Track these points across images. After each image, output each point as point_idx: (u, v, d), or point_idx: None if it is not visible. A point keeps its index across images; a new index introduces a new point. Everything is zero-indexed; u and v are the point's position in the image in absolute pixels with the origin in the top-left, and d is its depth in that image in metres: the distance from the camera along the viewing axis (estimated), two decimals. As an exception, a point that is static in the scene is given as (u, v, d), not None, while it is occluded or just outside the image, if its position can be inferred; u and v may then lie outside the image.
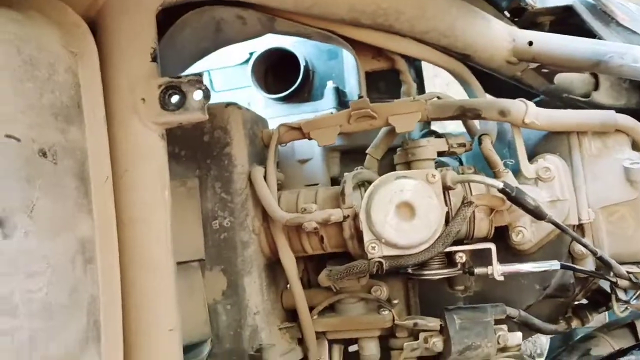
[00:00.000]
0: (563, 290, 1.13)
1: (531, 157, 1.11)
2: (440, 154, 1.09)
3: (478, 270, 1.01)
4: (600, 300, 1.21)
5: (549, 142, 1.12)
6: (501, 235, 1.08)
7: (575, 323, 1.22)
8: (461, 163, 1.25)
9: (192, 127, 1.04)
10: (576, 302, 1.25)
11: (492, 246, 1.00)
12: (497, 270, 0.99)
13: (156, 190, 0.85)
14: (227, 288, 1.02)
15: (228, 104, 1.08)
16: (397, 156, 1.11)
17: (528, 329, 1.16)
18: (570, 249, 1.11)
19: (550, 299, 1.18)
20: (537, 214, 0.97)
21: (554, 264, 1.00)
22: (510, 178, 1.04)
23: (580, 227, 1.11)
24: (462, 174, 1.06)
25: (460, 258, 1.00)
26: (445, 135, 1.11)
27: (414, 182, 0.95)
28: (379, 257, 0.96)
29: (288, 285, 1.15)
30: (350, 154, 1.33)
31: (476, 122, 1.18)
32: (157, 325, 0.81)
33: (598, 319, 1.55)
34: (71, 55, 0.67)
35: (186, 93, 0.80)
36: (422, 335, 1.08)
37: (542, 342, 2.69)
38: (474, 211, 1.01)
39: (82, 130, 0.70)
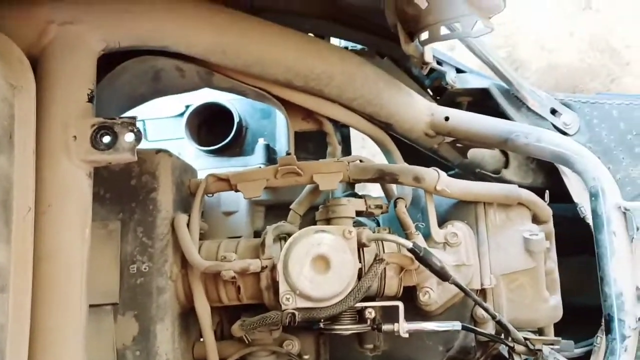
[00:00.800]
0: (465, 353, 1.21)
1: (442, 223, 1.21)
2: (358, 213, 1.17)
3: (385, 327, 1.07)
4: (499, 365, 1.30)
5: (459, 210, 1.23)
6: (410, 296, 1.16)
7: (476, 387, 1.30)
8: (378, 224, 1.34)
9: (120, 170, 1.08)
10: (478, 367, 1.33)
11: (399, 304, 1.07)
12: (403, 327, 1.05)
13: (77, 228, 0.87)
14: (138, 334, 1.03)
15: (159, 151, 1.12)
16: (318, 213, 1.18)
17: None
18: (472, 313, 1.20)
19: (455, 361, 1.25)
20: (442, 275, 1.05)
21: (456, 325, 1.08)
22: (420, 240, 1.13)
23: (482, 292, 1.20)
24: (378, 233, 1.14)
25: (370, 314, 1.06)
26: (364, 196, 1.20)
27: (331, 237, 1.02)
28: (293, 309, 1.01)
29: (202, 338, 1.18)
30: (274, 209, 1.39)
31: (394, 187, 1.28)
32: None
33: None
34: (10, 87, 0.71)
35: (118, 134, 0.85)
36: (331, 391, 1.12)
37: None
38: (385, 269, 1.09)
39: (10, 160, 0.72)
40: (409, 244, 1.03)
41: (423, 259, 1.04)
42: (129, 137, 0.85)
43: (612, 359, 1.06)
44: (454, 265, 1.15)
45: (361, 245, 1.07)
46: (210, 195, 1.30)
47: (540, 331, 1.28)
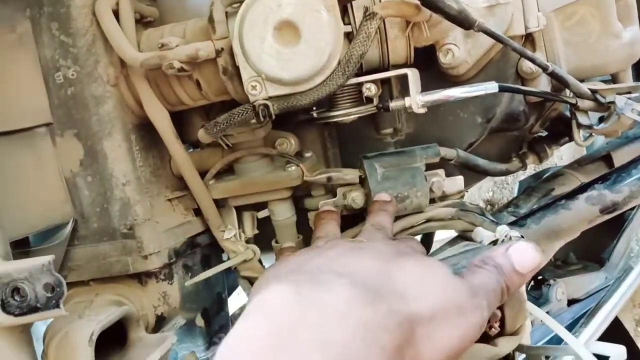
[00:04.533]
0: (512, 121, 0.99)
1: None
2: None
3: (394, 104, 0.85)
4: (562, 129, 1.07)
5: None
6: (433, 59, 0.91)
7: (531, 160, 1.09)
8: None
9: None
10: (534, 135, 1.11)
11: (409, 71, 0.83)
12: (417, 101, 0.83)
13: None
14: (85, 156, 0.87)
15: None
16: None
17: (472, 172, 1.03)
18: (517, 68, 0.95)
19: (500, 133, 1.04)
20: (463, 21, 0.79)
21: (490, 86, 0.83)
22: (432, -21, 0.85)
23: (528, 38, 0.94)
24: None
25: (369, 90, 0.84)
26: None
27: (296, -6, 0.76)
28: (264, 99, 0.80)
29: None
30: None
31: None
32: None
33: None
34: None
35: None
36: (340, 191, 0.95)
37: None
38: (384, 28, 0.84)
39: None
40: (409, -17, 0.76)
41: (431, 2, 0.77)
42: None
43: None
44: (485, 6, 0.88)
45: (344, 0, 0.81)
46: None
47: (614, 78, 1.02)
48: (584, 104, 0.93)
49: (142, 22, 0.95)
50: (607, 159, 1.24)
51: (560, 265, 1.25)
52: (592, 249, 1.25)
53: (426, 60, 0.91)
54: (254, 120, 0.82)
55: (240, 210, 1.00)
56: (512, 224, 1.00)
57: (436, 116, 0.99)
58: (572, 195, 0.94)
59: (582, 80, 0.97)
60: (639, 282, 1.13)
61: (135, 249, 0.87)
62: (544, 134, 1.14)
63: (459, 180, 0.97)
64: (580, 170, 1.23)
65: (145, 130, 0.93)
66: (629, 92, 0.92)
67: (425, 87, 0.97)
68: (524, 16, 0.90)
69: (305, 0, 0.76)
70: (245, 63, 0.79)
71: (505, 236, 0.89)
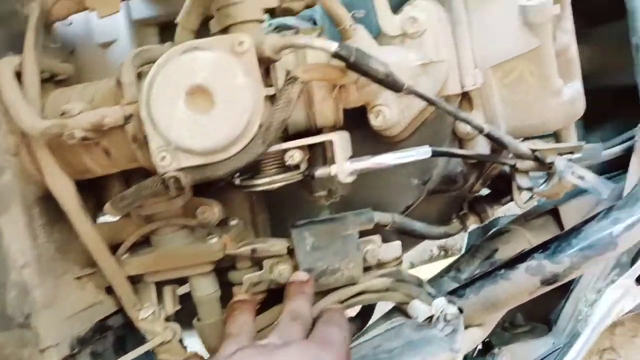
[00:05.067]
0: (450, 183, 0.93)
1: (401, 4, 0.86)
2: (270, 11, 0.82)
3: (319, 173, 0.79)
4: (504, 188, 1.02)
5: (420, -18, 0.87)
6: (366, 118, 0.86)
7: (472, 220, 1.04)
8: (315, 24, 1.00)
9: None
10: (474, 194, 1.06)
11: (336, 137, 0.77)
12: (344, 169, 0.76)
13: None
14: (-22, 233, 0.77)
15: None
16: (212, 22, 0.84)
17: (410, 236, 0.96)
18: (454, 129, 0.90)
19: (440, 194, 0.98)
20: (390, 84, 0.74)
21: (423, 151, 0.78)
22: (360, 37, 0.80)
23: (465, 96, 0.89)
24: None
25: (292, 158, 0.77)
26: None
27: (210, 56, 0.69)
28: (175, 170, 0.72)
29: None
30: (173, 28, 1.04)
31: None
32: None
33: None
34: None
35: None
36: (266, 264, 0.87)
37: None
38: (309, 90, 0.77)
39: None
40: (332, 47, 0.70)
41: (357, 66, 0.71)
42: None
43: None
44: (419, 65, 0.83)
45: (267, 61, 0.74)
46: (67, 22, 0.97)
47: (556, 136, 0.98)
48: (524, 164, 0.88)
49: (53, 80, 0.87)
50: (554, 212, 1.20)
51: (507, 328, 1.19)
52: (541, 308, 1.20)
53: (361, 118, 0.85)
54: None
55: (160, 284, 0.91)
56: (452, 293, 0.93)
57: (372, 178, 0.93)
58: (511, 264, 0.88)
59: (524, 139, 0.94)
60: (588, 347, 1.08)
61: (32, 341, 0.77)
62: (486, 192, 1.09)
63: (396, 246, 0.91)
64: (526, 226, 1.18)
65: (51, 203, 0.83)
66: (571, 152, 0.87)
67: (361, 146, 0.92)
68: (460, 74, 0.86)
69: (220, 63, 0.69)
70: (154, 131, 0.71)
71: (441, 312, 0.84)
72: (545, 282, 0.86)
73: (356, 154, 0.92)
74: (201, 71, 0.69)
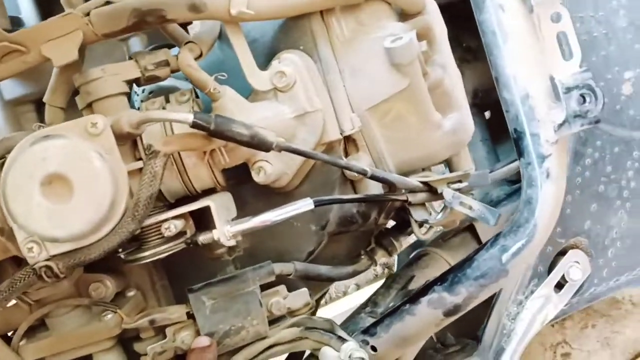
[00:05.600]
0: (348, 224, 0.93)
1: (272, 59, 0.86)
2: (134, 82, 0.81)
3: (202, 238, 0.78)
4: (408, 218, 1.02)
5: (287, 33, 0.87)
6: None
7: (380, 255, 1.04)
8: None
9: None
10: (381, 228, 1.06)
11: (212, 203, 0.76)
12: (225, 233, 0.76)
13: None
14: None
15: None
16: (77, 99, 0.82)
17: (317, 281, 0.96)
18: (344, 172, 0.90)
19: (345, 234, 0.98)
20: (259, 145, 0.73)
21: (305, 203, 0.78)
22: (229, 98, 0.79)
23: (349, 140, 0.89)
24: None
25: (168, 230, 0.76)
26: (136, 54, 0.82)
27: (62, 144, 0.68)
28: (46, 259, 0.70)
29: None
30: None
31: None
32: None
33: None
34: None
35: None
36: (169, 332, 0.86)
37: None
38: (179, 160, 0.77)
39: None
40: (189, 119, 0.69)
41: (218, 133, 0.71)
42: None
43: (532, 193, 0.78)
44: (294, 117, 0.82)
45: (129, 136, 0.73)
46: None
47: (448, 164, 0.99)
48: (417, 197, 0.89)
49: None
50: (471, 229, 1.21)
51: (438, 349, 1.19)
52: (469, 324, 1.21)
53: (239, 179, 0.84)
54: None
55: (67, 364, 0.89)
56: (365, 332, 0.93)
57: (271, 229, 0.92)
58: (415, 299, 0.88)
59: (422, 170, 0.94)
60: (516, 361, 1.09)
61: None
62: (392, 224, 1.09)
63: (303, 293, 0.91)
64: (444, 247, 1.19)
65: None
66: (459, 181, 0.88)
67: (255, 199, 0.92)
68: (338, 120, 0.86)
69: (73, 149, 0.68)
70: (15, 225, 0.69)
71: (350, 357, 0.83)
72: (448, 314, 0.86)
73: (251, 207, 0.92)
74: (53, 160, 0.67)
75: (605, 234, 1.07)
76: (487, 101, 1.28)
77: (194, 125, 0.70)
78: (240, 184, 0.89)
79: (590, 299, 1.12)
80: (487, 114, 1.38)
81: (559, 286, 1.08)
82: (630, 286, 1.16)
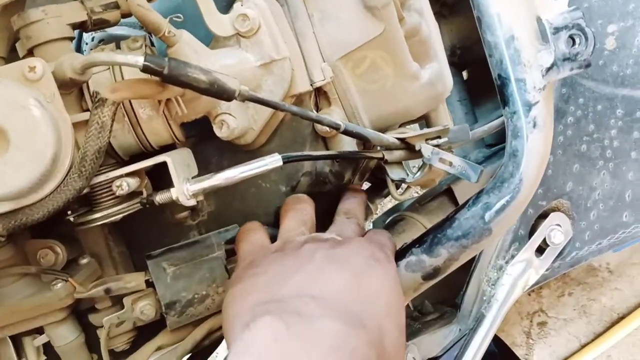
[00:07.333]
0: (321, 184, 0.87)
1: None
2: (80, 26, 0.73)
3: (159, 198, 0.70)
4: (384, 179, 0.96)
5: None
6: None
7: (355, 218, 0.98)
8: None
9: None
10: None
11: (168, 158, 0.68)
12: (184, 191, 0.68)
13: None
14: None
15: None
16: (18, 45, 0.74)
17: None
18: (314, 127, 0.83)
19: (317, 196, 0.91)
20: (219, 93, 0.66)
21: (273, 160, 0.70)
22: (185, 42, 0.71)
23: (319, 92, 0.82)
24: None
25: (120, 188, 0.68)
26: (84, -5, 0.74)
27: (-5, 88, 0.60)
28: (-18, 221, 0.63)
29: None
30: None
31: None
32: None
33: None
34: None
35: None
36: (127, 301, 0.79)
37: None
38: (130, 111, 0.69)
39: None
40: (139, 61, 0.62)
41: (172, 78, 0.63)
42: None
43: (518, 144, 0.72)
44: (259, 65, 0.75)
45: (73, 83, 0.65)
46: None
47: (426, 120, 0.93)
48: (393, 155, 0.82)
49: None
50: (449, 192, 1.16)
51: (416, 317, 1.14)
52: (449, 290, 1.16)
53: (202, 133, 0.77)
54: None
55: (15, 338, 0.82)
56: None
57: (237, 190, 0.86)
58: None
59: (394, 128, 0.88)
60: (495, 328, 1.04)
61: None
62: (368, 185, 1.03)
63: (272, 259, 0.84)
64: (421, 212, 1.13)
65: None
66: (438, 137, 0.81)
67: (219, 157, 0.85)
68: (307, 70, 0.79)
69: (8, 96, 0.60)
70: (-52, 182, 0.61)
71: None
72: (427, 277, 0.80)
73: (214, 166, 0.85)
74: (-13, 107, 0.59)
75: (587, 195, 1.03)
76: (465, 60, 1.22)
77: (145, 69, 0.62)
78: (203, 140, 0.82)
79: (572, 263, 1.07)
80: (465, 75, 1.32)
81: (540, 250, 1.04)
82: (612, 250, 1.12)
